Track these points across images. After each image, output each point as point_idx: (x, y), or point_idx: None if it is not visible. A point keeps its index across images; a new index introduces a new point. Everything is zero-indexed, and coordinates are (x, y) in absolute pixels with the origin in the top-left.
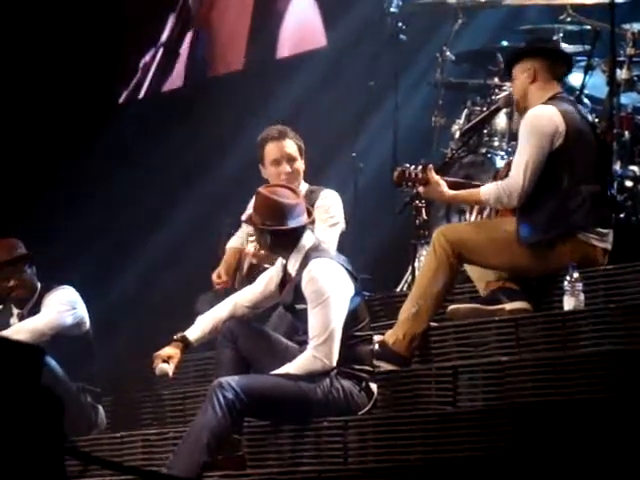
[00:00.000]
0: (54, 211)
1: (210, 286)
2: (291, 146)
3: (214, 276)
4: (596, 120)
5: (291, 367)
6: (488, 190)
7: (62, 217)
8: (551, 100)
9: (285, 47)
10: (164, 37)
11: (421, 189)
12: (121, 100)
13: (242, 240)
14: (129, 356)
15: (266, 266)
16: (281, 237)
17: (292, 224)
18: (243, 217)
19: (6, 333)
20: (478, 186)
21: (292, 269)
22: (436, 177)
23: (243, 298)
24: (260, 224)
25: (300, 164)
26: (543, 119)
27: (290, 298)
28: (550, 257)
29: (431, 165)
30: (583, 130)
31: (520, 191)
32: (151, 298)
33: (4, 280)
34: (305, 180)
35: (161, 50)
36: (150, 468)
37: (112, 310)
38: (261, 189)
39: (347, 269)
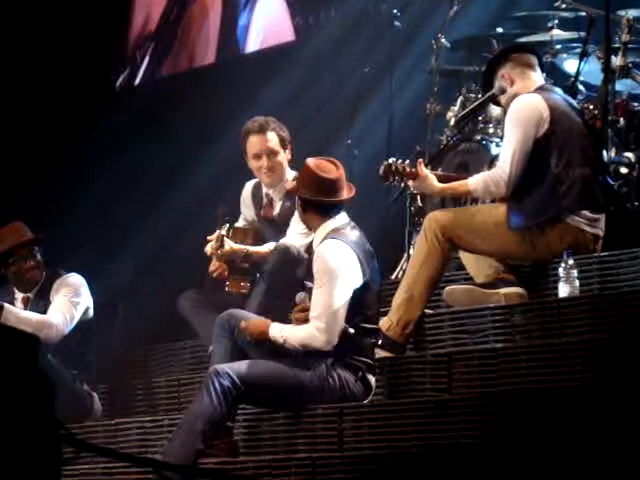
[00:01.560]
0: (45, 206)
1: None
2: (272, 139)
3: (211, 267)
4: (590, 107)
5: (288, 331)
6: (476, 181)
7: (54, 212)
8: (536, 90)
9: (253, 42)
10: (160, 22)
11: (410, 183)
12: (117, 86)
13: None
14: (124, 344)
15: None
16: (310, 207)
17: (322, 197)
18: (288, 186)
19: (24, 326)
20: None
21: (315, 245)
22: (425, 171)
23: None
24: (297, 191)
25: (282, 156)
26: (527, 107)
27: (302, 274)
28: (539, 242)
29: (421, 159)
30: (569, 116)
31: (507, 180)
32: (147, 287)
33: (21, 261)
34: (296, 166)
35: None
36: (145, 455)
37: (107, 299)
38: (308, 159)
39: (360, 258)
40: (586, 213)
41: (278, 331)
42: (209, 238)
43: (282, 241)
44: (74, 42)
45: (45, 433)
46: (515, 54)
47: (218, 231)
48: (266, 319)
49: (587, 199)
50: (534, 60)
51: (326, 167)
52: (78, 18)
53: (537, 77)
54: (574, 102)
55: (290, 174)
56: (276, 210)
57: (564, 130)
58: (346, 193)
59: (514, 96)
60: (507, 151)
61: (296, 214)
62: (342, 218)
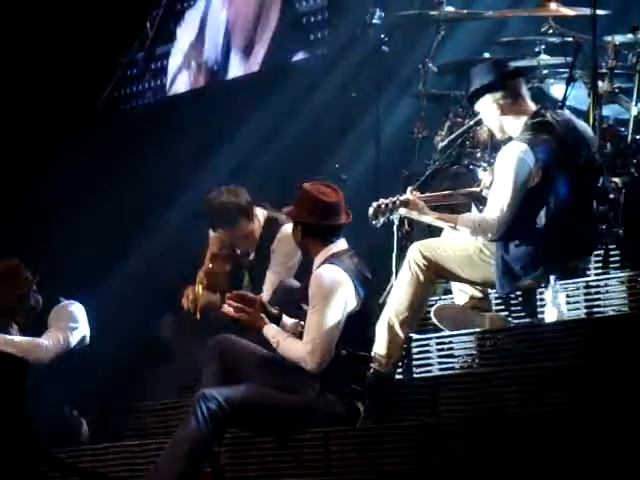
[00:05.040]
0: (32, 229)
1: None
2: (227, 238)
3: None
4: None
5: (282, 340)
6: (465, 222)
7: (37, 235)
8: (529, 129)
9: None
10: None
11: (402, 210)
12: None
13: None
14: (113, 368)
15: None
16: (310, 232)
17: (322, 221)
18: (285, 210)
19: (12, 348)
20: (459, 195)
21: (314, 269)
22: (415, 198)
23: None
24: (294, 216)
25: (245, 234)
26: (519, 158)
27: (300, 296)
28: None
29: (410, 188)
30: (564, 158)
31: (495, 231)
32: (133, 310)
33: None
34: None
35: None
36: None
37: (95, 321)
38: (305, 184)
39: (355, 284)
40: (576, 258)
41: (272, 335)
42: (185, 292)
43: (285, 280)
44: (59, 61)
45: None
46: (511, 83)
47: (193, 288)
48: (263, 316)
49: (577, 249)
50: (526, 81)
51: (325, 191)
52: (65, 37)
53: (529, 106)
54: (582, 129)
55: (262, 214)
56: (252, 256)
57: (556, 178)
58: (344, 217)
59: (506, 129)
60: (497, 202)
61: (276, 248)
62: (342, 244)
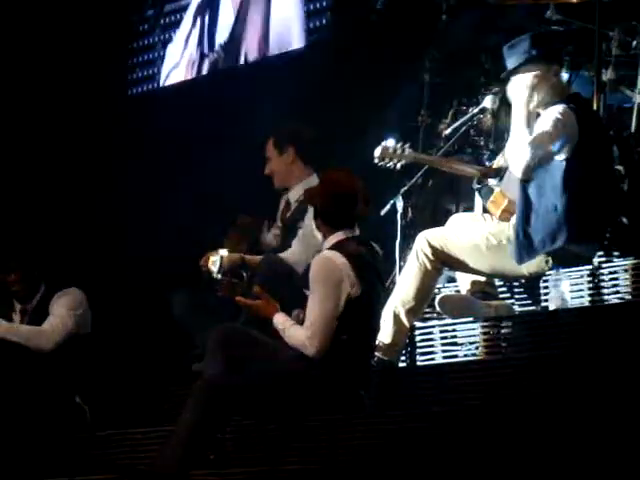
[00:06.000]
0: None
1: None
2: (269, 144)
3: (202, 261)
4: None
5: (288, 328)
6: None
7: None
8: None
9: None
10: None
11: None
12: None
13: None
14: (114, 355)
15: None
16: (321, 217)
17: (332, 208)
18: (305, 189)
19: (12, 336)
20: (466, 167)
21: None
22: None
23: None
24: (308, 198)
25: (278, 161)
26: (562, 119)
27: (301, 283)
28: (534, 265)
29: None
30: (597, 140)
31: (529, 162)
32: (137, 298)
33: (5, 274)
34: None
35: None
36: (137, 467)
37: (98, 307)
38: (329, 170)
39: (356, 271)
40: (589, 244)
41: (281, 322)
42: (208, 257)
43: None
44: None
45: None
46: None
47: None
48: (276, 304)
49: (592, 235)
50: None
51: (341, 179)
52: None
53: (566, 89)
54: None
55: (310, 180)
56: (289, 213)
57: (587, 157)
58: (360, 207)
59: (541, 100)
60: (537, 134)
61: (306, 221)
62: (351, 232)
